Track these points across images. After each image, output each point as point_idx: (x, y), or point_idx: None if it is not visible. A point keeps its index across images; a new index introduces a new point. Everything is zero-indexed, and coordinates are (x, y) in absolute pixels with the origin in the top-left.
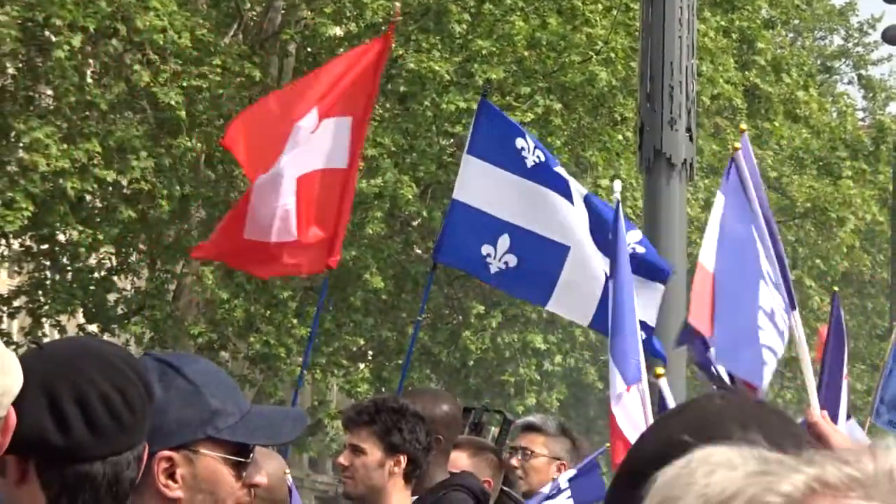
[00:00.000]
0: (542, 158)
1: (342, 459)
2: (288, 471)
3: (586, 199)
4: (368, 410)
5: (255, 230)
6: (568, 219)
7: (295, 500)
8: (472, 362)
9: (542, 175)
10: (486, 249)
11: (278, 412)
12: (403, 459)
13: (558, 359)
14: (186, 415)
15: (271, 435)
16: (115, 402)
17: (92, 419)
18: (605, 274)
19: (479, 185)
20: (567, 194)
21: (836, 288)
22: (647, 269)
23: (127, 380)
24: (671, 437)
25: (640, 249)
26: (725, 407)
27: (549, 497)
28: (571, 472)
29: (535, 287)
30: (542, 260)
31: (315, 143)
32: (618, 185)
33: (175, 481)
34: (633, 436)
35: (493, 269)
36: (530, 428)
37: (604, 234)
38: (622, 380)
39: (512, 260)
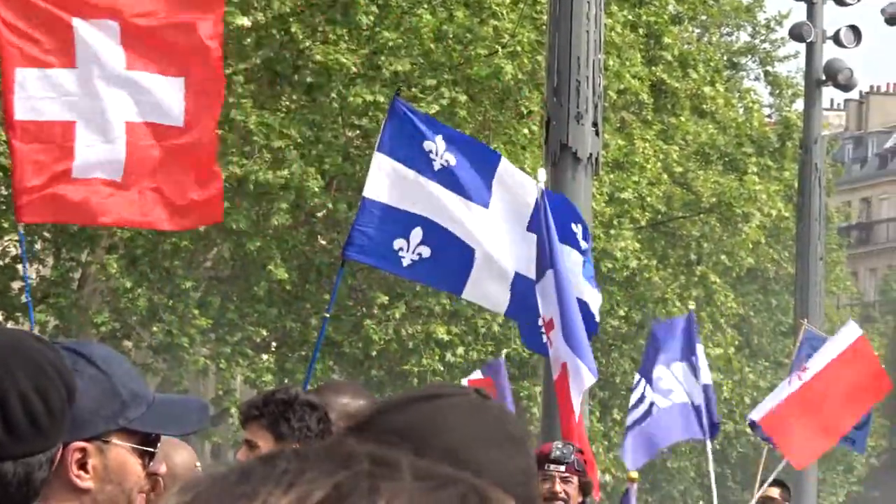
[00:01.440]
0: (452, 162)
1: (239, 455)
2: (199, 463)
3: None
4: (256, 404)
5: (83, 171)
6: (472, 220)
7: None
8: (375, 353)
9: (448, 179)
10: (398, 243)
11: (182, 401)
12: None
13: (461, 350)
14: (99, 405)
15: (181, 424)
16: (34, 405)
17: (9, 419)
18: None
19: (390, 182)
20: (479, 197)
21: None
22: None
23: (50, 383)
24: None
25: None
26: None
27: None
28: None
29: (449, 277)
30: (454, 253)
31: (141, 94)
32: (542, 173)
33: (86, 472)
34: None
35: (406, 262)
36: None
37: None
38: (591, 373)
39: (425, 251)
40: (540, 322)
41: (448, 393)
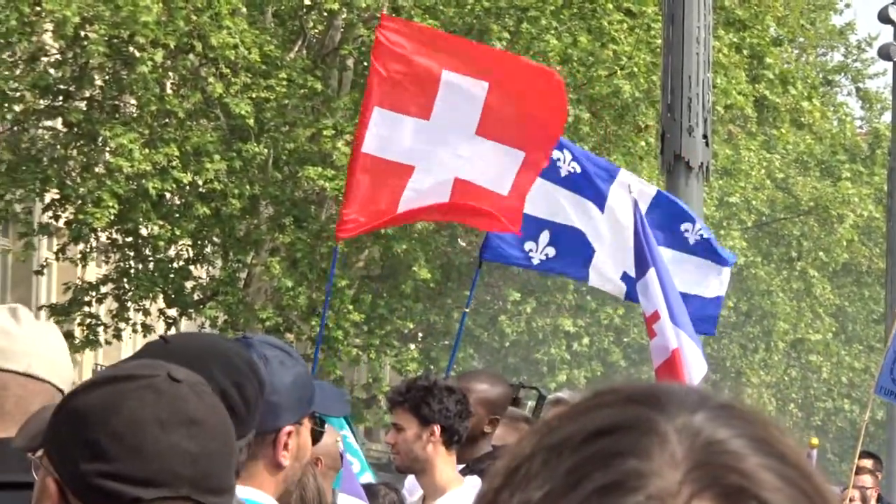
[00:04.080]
0: (578, 170)
1: (388, 438)
2: (339, 439)
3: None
4: (400, 391)
5: (407, 203)
6: (593, 223)
7: (346, 464)
8: (508, 343)
9: (574, 184)
10: (528, 246)
11: (329, 388)
12: (437, 429)
13: (586, 340)
14: (301, 393)
15: (341, 408)
16: (233, 399)
17: None
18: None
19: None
20: (598, 201)
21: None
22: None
23: (245, 377)
24: None
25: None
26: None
27: None
28: None
29: (574, 266)
30: (578, 250)
31: (480, 158)
32: (635, 183)
33: (287, 450)
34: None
35: (535, 261)
36: (560, 402)
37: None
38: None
39: (552, 251)
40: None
41: (133, 375)
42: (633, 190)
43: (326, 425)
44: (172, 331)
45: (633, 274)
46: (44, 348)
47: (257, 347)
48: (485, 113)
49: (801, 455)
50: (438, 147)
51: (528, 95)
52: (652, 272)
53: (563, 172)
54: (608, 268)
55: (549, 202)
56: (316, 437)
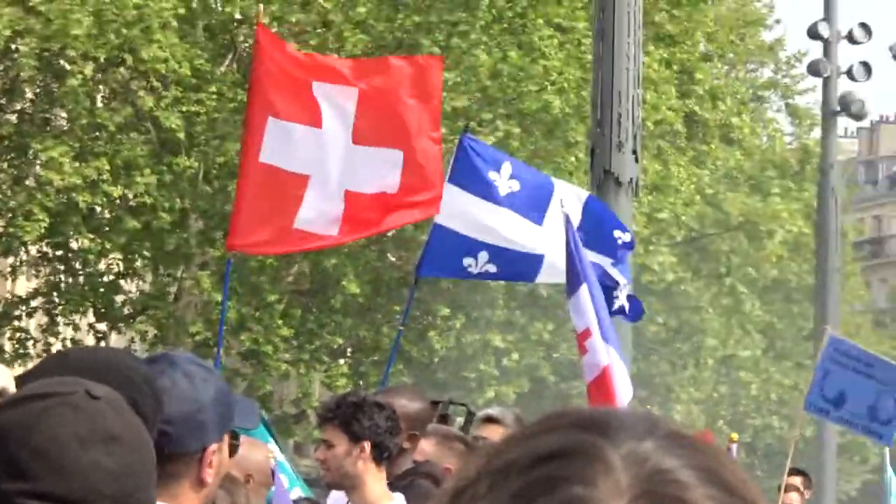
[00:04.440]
0: (517, 188)
1: (318, 454)
2: (270, 454)
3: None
4: (330, 407)
5: (305, 223)
6: (538, 236)
7: (277, 480)
8: (437, 359)
9: (513, 202)
10: (466, 261)
11: (242, 399)
12: (367, 445)
13: (515, 356)
14: (224, 410)
15: (252, 421)
16: None
17: None
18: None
19: (459, 210)
20: (538, 217)
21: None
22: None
23: (141, 392)
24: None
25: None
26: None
27: None
28: None
29: (519, 275)
30: (520, 265)
31: (362, 165)
32: (565, 199)
33: (211, 468)
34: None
35: (474, 272)
36: (489, 420)
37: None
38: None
39: (492, 268)
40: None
41: (51, 393)
42: (564, 204)
43: (258, 441)
44: (102, 345)
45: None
46: None
47: (181, 364)
48: (357, 120)
49: (748, 486)
50: (329, 156)
51: (399, 90)
52: (584, 288)
53: (503, 191)
54: (560, 273)
55: (486, 223)
56: (232, 450)
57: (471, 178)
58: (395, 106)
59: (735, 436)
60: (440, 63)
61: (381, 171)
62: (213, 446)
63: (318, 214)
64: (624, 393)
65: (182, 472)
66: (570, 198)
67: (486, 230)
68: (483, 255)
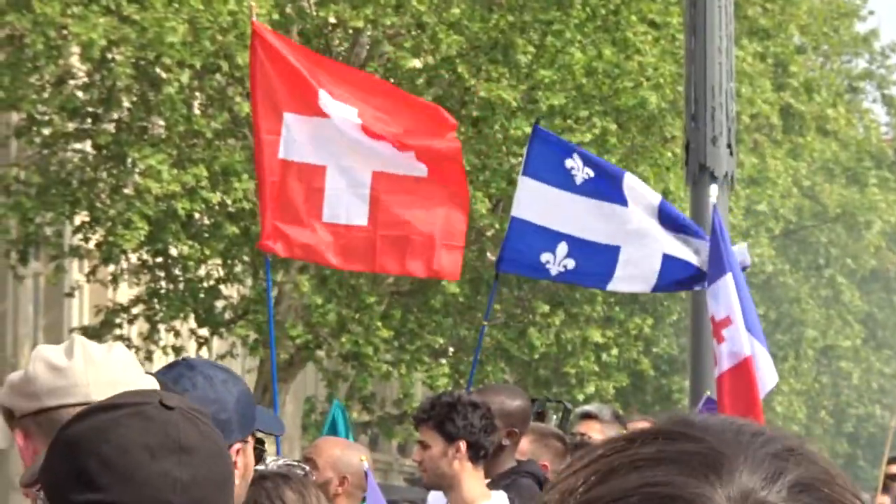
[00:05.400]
0: (592, 174)
1: (415, 456)
2: (364, 457)
3: (661, 206)
4: (425, 408)
5: (333, 217)
6: (616, 221)
7: (370, 482)
8: (537, 356)
9: (591, 189)
10: (545, 257)
11: (264, 410)
12: (463, 445)
13: (615, 351)
14: (246, 412)
15: (279, 427)
16: None
17: None
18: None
19: (535, 202)
20: (619, 199)
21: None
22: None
23: None
24: None
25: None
26: None
27: None
28: None
29: (594, 279)
30: (597, 261)
31: (383, 150)
32: (713, 189)
33: (236, 469)
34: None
35: (553, 272)
36: (587, 416)
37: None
38: (773, 371)
39: (570, 263)
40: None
41: (124, 403)
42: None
43: (355, 444)
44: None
45: (678, 255)
46: (102, 373)
47: (200, 368)
48: (362, 117)
49: None
50: (345, 141)
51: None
52: (729, 276)
53: (579, 180)
54: (642, 261)
55: (564, 213)
56: (258, 455)
57: (546, 168)
58: (401, 117)
59: None
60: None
61: (403, 160)
62: (237, 446)
63: (344, 204)
64: (767, 384)
65: None
66: (646, 189)
67: (564, 220)
68: (562, 248)
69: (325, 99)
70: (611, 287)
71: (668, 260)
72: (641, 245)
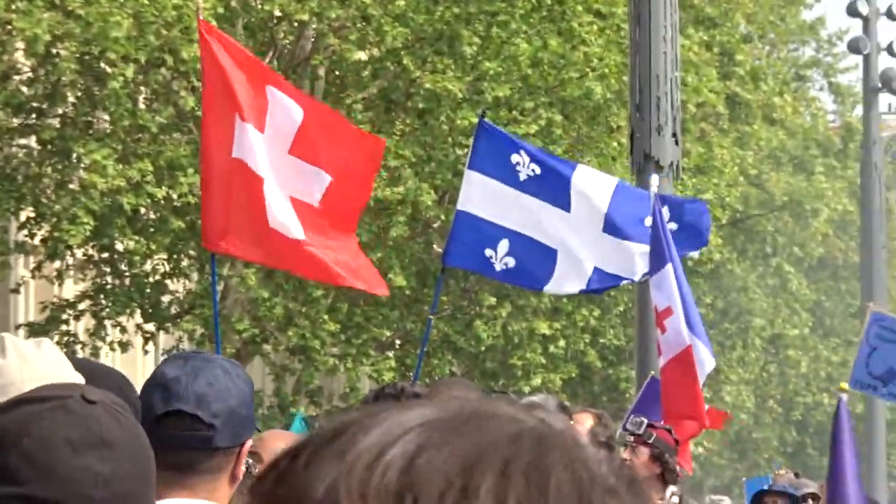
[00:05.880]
0: (538, 172)
1: None
2: None
3: (618, 188)
4: (368, 401)
5: (277, 224)
6: (555, 226)
7: None
8: (484, 348)
9: (534, 188)
10: (488, 252)
11: None
12: None
13: (562, 343)
14: (250, 409)
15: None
16: None
17: None
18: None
19: (480, 196)
20: (562, 202)
21: (844, 388)
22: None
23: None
24: None
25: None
26: None
27: None
28: None
29: (533, 279)
30: (535, 260)
31: (293, 174)
32: (655, 179)
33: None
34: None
35: (497, 268)
36: (534, 406)
37: (635, 217)
38: (710, 357)
39: (511, 261)
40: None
41: (46, 397)
42: (652, 184)
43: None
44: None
45: (609, 270)
46: (35, 369)
47: (217, 361)
48: (300, 133)
49: None
50: (270, 160)
51: (342, 142)
52: (669, 268)
53: (523, 176)
54: (573, 269)
55: (507, 208)
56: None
57: (491, 162)
58: (336, 136)
59: (845, 384)
60: (382, 145)
61: (307, 183)
62: (249, 441)
63: (283, 217)
64: (705, 371)
65: (224, 466)
66: (597, 183)
67: (507, 215)
68: (503, 245)
69: (272, 94)
70: (547, 289)
71: (598, 272)
72: (575, 260)
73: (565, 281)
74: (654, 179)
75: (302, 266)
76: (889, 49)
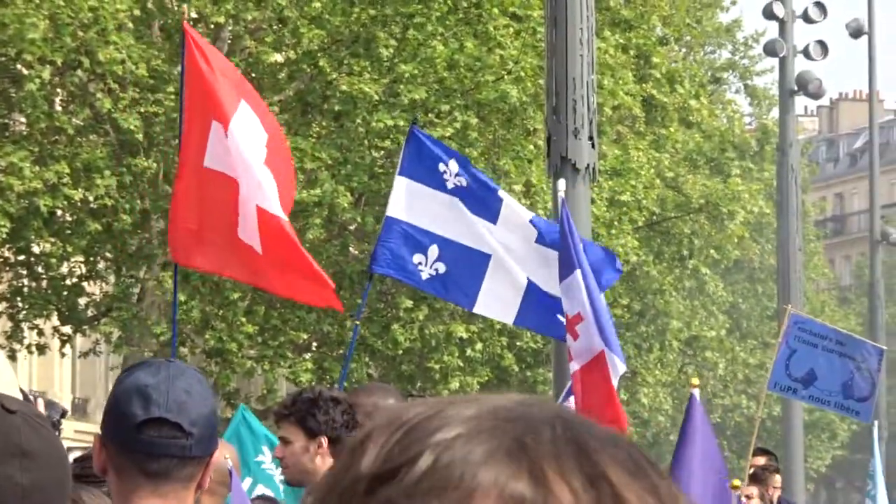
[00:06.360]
0: (464, 183)
1: (276, 452)
2: (227, 455)
3: (533, 222)
4: (286, 404)
5: (243, 233)
6: (486, 234)
7: (234, 480)
8: (401, 352)
9: (461, 196)
10: (417, 258)
11: None
12: (324, 441)
13: (479, 346)
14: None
15: None
16: None
17: None
18: (528, 280)
19: (410, 202)
20: (489, 216)
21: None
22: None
23: None
24: None
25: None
26: None
27: None
28: None
29: (462, 292)
30: (466, 266)
31: (266, 185)
32: (562, 183)
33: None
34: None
35: (424, 276)
36: None
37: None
38: (620, 362)
39: (441, 267)
40: (561, 317)
41: None
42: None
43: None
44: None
45: (540, 284)
46: None
47: (189, 368)
48: (268, 146)
49: None
50: (243, 160)
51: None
52: (577, 273)
53: (450, 185)
54: (504, 280)
55: (437, 214)
56: None
57: (421, 169)
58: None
59: (696, 380)
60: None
61: (273, 195)
62: (217, 451)
63: (249, 224)
64: (617, 374)
65: (195, 475)
66: (517, 212)
67: (436, 221)
68: (433, 251)
69: (242, 111)
70: (477, 309)
71: (532, 286)
72: (504, 269)
73: (496, 296)
74: (561, 184)
75: (261, 280)
76: (805, 52)
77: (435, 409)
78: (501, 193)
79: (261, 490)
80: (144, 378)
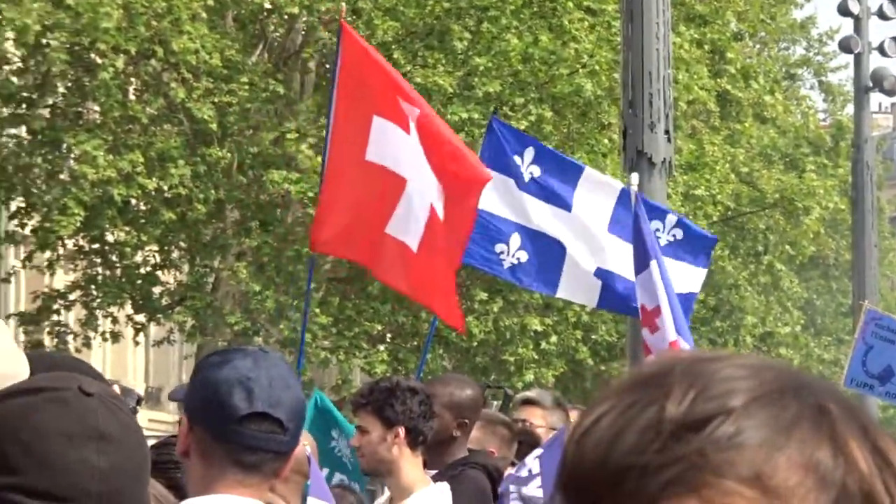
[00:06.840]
0: (537, 173)
1: (353, 441)
2: (306, 443)
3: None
4: (363, 393)
5: (395, 230)
6: (557, 226)
7: (314, 468)
8: (476, 344)
9: (535, 188)
10: (499, 248)
11: None
12: (402, 431)
13: (553, 339)
14: None
15: None
16: None
17: None
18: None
19: (489, 192)
20: (562, 203)
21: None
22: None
23: None
24: None
25: (679, 234)
26: None
27: (518, 479)
28: (538, 451)
29: (543, 279)
30: (548, 254)
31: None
32: (634, 177)
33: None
34: None
35: (506, 265)
36: (528, 402)
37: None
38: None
39: (523, 255)
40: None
41: (43, 388)
42: (632, 181)
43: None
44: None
45: (607, 267)
46: None
47: (278, 358)
48: (424, 145)
49: None
50: (420, 163)
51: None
52: (654, 265)
53: (526, 177)
54: (581, 266)
55: (517, 204)
56: None
57: (499, 160)
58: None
59: None
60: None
61: (439, 197)
62: (300, 445)
63: (407, 223)
64: None
65: (279, 469)
66: (603, 187)
67: (516, 210)
68: (515, 239)
69: (407, 111)
70: (560, 293)
71: (601, 273)
72: (582, 255)
73: (575, 283)
74: (634, 178)
75: (394, 277)
76: (880, 48)
77: (734, 363)
78: (584, 175)
79: (337, 478)
80: (244, 369)
